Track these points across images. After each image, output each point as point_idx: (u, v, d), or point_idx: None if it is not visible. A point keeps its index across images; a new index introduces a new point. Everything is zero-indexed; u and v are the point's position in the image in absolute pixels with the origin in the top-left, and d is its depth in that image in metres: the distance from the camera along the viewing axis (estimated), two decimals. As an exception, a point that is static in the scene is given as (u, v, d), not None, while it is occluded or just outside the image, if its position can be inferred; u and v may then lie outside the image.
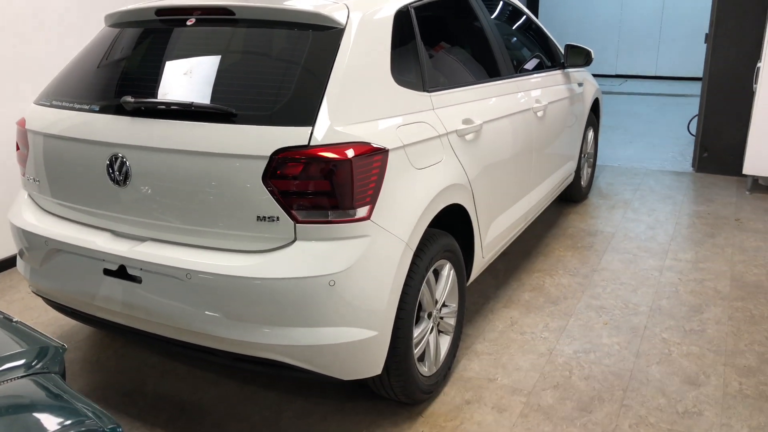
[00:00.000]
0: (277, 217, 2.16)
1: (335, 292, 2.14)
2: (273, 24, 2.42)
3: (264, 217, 2.16)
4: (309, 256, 2.16)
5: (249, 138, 2.16)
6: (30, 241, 2.62)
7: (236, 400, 2.76)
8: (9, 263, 4.15)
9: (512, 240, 3.63)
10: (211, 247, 2.28)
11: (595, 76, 4.45)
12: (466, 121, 2.84)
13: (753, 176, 5.32)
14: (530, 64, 3.91)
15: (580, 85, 4.61)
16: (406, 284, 2.36)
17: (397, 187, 2.33)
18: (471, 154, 2.85)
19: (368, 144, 2.23)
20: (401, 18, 2.65)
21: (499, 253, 3.46)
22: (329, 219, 2.16)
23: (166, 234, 2.34)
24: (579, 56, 4.27)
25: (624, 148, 6.91)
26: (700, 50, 11.43)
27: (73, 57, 2.79)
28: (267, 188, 2.14)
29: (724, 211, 4.93)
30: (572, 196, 5.04)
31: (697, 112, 8.46)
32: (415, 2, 2.79)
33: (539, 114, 3.67)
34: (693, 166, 6.04)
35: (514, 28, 4.00)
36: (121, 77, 2.55)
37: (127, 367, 3.02)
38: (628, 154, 6.67)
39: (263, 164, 2.13)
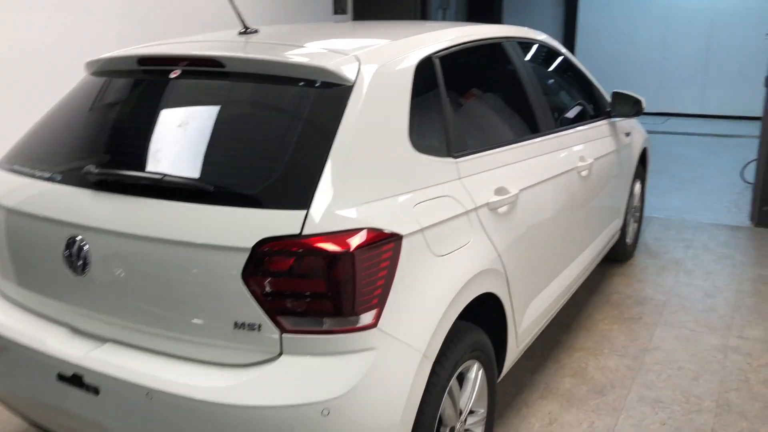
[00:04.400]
0: (259, 325, 1.72)
1: (329, 424, 1.68)
2: (268, 79, 2.02)
3: (243, 324, 1.73)
4: (297, 376, 1.71)
5: (227, 223, 1.74)
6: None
7: None
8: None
9: (552, 318, 3.14)
10: (180, 356, 1.85)
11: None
12: (500, 191, 2.38)
13: (822, 235, 4.75)
14: (572, 114, 3.45)
15: (627, 134, 4.14)
16: (422, 403, 1.90)
17: (413, 283, 1.88)
18: (505, 230, 2.39)
19: (377, 230, 1.79)
20: (423, 70, 2.23)
21: (536, 337, 2.97)
22: (325, 328, 1.72)
23: (129, 336, 1.93)
24: (627, 105, 3.80)
25: (671, 197, 6.37)
26: (749, 87, 10.84)
27: (49, 109, 2.42)
28: (248, 288, 1.71)
29: (792, 277, 4.36)
30: (616, 255, 4.53)
31: (751, 157, 7.87)
32: (439, 51, 2.37)
33: (583, 174, 3.20)
34: (751, 220, 5.47)
35: (553, 73, 3.56)
36: (91, 139, 2.17)
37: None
38: (675, 204, 6.13)
39: (243, 258, 1.71)
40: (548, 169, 2.82)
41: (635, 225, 4.77)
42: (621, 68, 11.64)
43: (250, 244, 1.70)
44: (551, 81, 3.48)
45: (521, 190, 2.51)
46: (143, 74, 2.24)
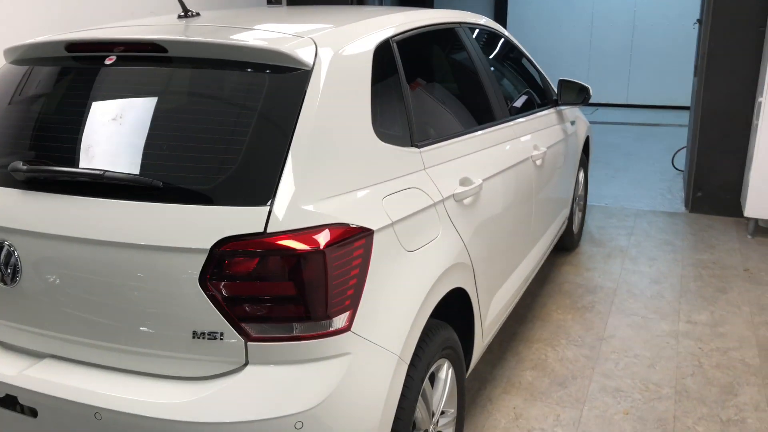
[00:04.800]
0: (221, 333, 1.56)
1: (304, 438, 1.54)
2: (217, 65, 1.84)
3: (203, 333, 1.56)
4: (266, 387, 1.56)
5: (181, 223, 1.56)
6: None
7: None
8: None
9: (512, 310, 3.08)
10: (131, 370, 1.66)
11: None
12: (464, 181, 2.28)
13: (755, 219, 4.90)
14: (523, 102, 3.40)
15: (572, 123, 4.13)
16: (398, 408, 1.77)
17: (386, 281, 1.75)
18: (470, 221, 2.30)
19: (347, 225, 1.66)
20: (382, 54, 2.10)
21: (499, 329, 2.90)
22: (294, 334, 1.57)
23: (70, 350, 1.72)
24: (575, 92, 3.78)
25: (608, 185, 6.48)
26: (672, 78, 11.24)
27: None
28: (206, 293, 1.54)
29: (730, 260, 4.47)
30: (564, 244, 4.53)
31: (681, 145, 8.12)
32: (396, 35, 2.25)
33: (538, 163, 3.15)
34: (686, 206, 5.61)
35: (503, 60, 3.50)
36: (14, 134, 1.93)
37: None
38: (613, 192, 6.23)
39: (201, 260, 1.54)
40: (507, 158, 2.74)
41: (580, 214, 4.79)
42: (550, 60, 11.83)
43: (208, 244, 1.53)
44: (502, 68, 3.41)
45: (484, 180, 2.42)
46: (73, 61, 2.02)
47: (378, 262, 1.72)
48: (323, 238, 1.58)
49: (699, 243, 4.82)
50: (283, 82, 1.78)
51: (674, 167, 7.00)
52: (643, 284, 4.11)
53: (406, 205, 1.91)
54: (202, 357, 1.58)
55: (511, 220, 2.77)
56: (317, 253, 1.56)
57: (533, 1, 12.01)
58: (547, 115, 3.60)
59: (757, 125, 4.71)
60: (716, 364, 3.18)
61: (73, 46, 1.99)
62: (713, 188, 5.41)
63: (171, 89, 1.86)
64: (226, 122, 1.74)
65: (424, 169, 2.10)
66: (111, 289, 1.62)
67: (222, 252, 1.53)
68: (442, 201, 2.11)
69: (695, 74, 6.01)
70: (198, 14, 2.34)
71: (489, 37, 3.29)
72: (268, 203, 1.57)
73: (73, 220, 1.64)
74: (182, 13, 2.30)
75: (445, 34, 2.73)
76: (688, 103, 11.20)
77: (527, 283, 3.25)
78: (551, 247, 3.83)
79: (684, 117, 10.57)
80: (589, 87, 3.74)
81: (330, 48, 1.89)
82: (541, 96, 3.70)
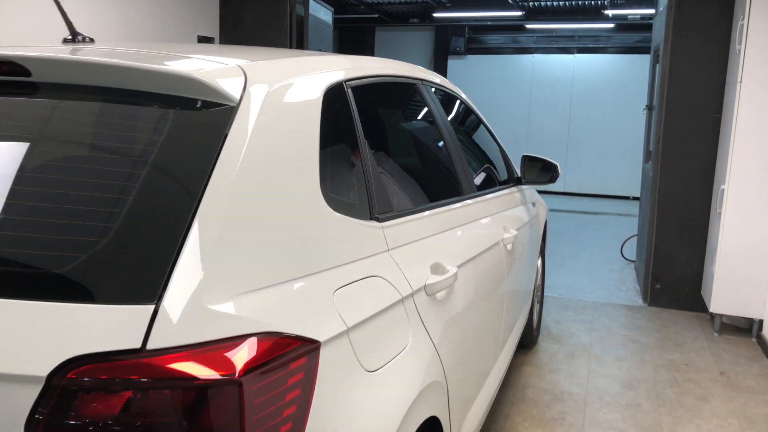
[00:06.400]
0: None
1: None
2: (97, 94, 1.26)
3: None
4: None
5: (3, 330, 0.94)
6: None
7: None
8: None
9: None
10: None
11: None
12: (437, 269, 1.74)
13: (720, 315, 4.53)
14: (487, 177, 2.94)
15: (533, 205, 3.70)
16: None
17: (336, 421, 1.15)
18: (442, 322, 1.73)
19: (279, 334, 1.06)
20: (335, 99, 1.57)
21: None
22: None
23: None
24: (541, 170, 3.35)
25: (558, 274, 6.08)
26: (606, 167, 11.32)
27: None
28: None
29: (702, 362, 4.04)
30: (524, 340, 4.00)
31: (622, 234, 7.91)
32: (353, 80, 1.73)
33: (509, 247, 2.65)
34: (644, 299, 5.23)
35: (468, 130, 3.05)
36: None
37: None
38: (564, 282, 5.82)
39: (32, 394, 0.91)
40: (480, 240, 2.23)
41: (538, 306, 4.31)
42: (489, 146, 11.73)
43: (45, 370, 0.91)
44: (466, 137, 2.96)
45: (459, 267, 1.88)
46: None
47: (325, 391, 1.13)
48: (241, 358, 0.98)
49: (665, 341, 4.39)
50: (192, 121, 1.21)
51: (624, 257, 6.70)
52: (615, 390, 3.60)
53: (365, 301, 1.34)
54: None
55: (483, 318, 2.23)
56: (230, 383, 0.96)
57: (474, 78, 11.97)
58: (512, 194, 3.15)
59: (720, 213, 4.42)
60: (718, 494, 2.65)
61: None
62: (672, 280, 5.06)
63: (33, 127, 1.27)
64: (101, 175, 1.15)
65: (388, 250, 1.55)
66: None
67: (67, 382, 0.91)
68: (412, 295, 1.55)
69: (646, 161, 5.80)
70: (92, 40, 1.78)
71: (450, 100, 2.83)
72: (154, 301, 0.97)
73: None
74: (69, 37, 1.73)
75: (406, 89, 2.25)
76: (624, 193, 11.26)
77: (497, 389, 2.69)
78: (516, 344, 3.29)
79: (621, 206, 10.55)
80: (557, 164, 3.33)
81: (265, 84, 1.35)
82: (502, 172, 3.26)
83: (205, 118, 1.23)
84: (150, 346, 0.94)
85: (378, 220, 1.57)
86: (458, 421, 1.90)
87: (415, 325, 1.53)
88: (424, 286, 1.62)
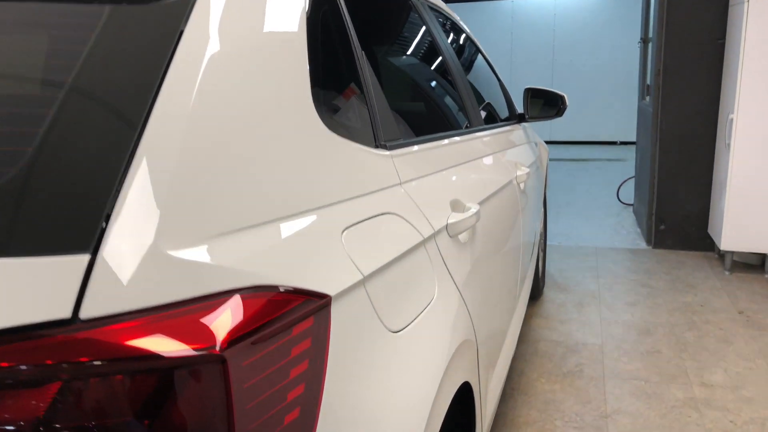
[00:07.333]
0: None
1: None
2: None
3: None
4: None
5: None
6: None
7: None
8: None
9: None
10: None
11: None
12: (456, 206, 1.44)
13: (731, 252, 4.31)
14: (492, 112, 2.63)
15: (536, 145, 3.41)
16: None
17: (355, 400, 0.86)
18: (467, 270, 1.44)
19: (275, 289, 0.76)
20: (322, 3, 1.25)
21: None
22: None
23: None
24: (545, 104, 3.05)
25: (556, 222, 5.84)
26: (592, 115, 11.05)
27: None
28: None
29: (718, 302, 3.83)
30: (530, 291, 3.75)
31: (615, 178, 7.69)
32: (341, -21, 1.40)
33: (522, 186, 2.36)
34: (648, 241, 5.01)
35: (470, 59, 2.72)
36: None
37: None
38: (563, 229, 5.58)
39: None
40: (497, 176, 1.93)
41: (542, 254, 4.05)
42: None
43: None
44: (469, 66, 2.64)
45: (480, 204, 1.58)
46: None
47: (341, 363, 0.83)
48: (222, 324, 0.68)
49: (676, 283, 4.16)
50: (135, 17, 0.89)
51: (620, 201, 6.47)
52: (632, 337, 3.37)
53: (383, 243, 1.03)
54: None
55: (503, 265, 1.95)
56: (209, 360, 0.66)
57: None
58: (517, 131, 2.85)
59: (728, 145, 4.16)
60: (760, 443, 2.43)
61: None
62: (677, 220, 4.83)
63: None
64: (14, 85, 0.83)
65: (401, 183, 1.24)
66: None
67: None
68: (434, 236, 1.25)
69: (643, 97, 5.52)
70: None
71: (451, 26, 2.50)
72: (89, 249, 0.66)
73: None
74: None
75: (403, 4, 1.92)
76: (612, 138, 11.01)
77: (516, 342, 2.43)
78: (527, 299, 3.03)
79: (610, 151, 10.31)
80: (565, 95, 3.03)
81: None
82: (503, 108, 2.95)
83: (153, 11, 0.91)
84: (85, 314, 0.64)
85: (386, 147, 1.26)
86: (485, 385, 1.62)
87: (441, 273, 1.23)
88: (446, 226, 1.33)
